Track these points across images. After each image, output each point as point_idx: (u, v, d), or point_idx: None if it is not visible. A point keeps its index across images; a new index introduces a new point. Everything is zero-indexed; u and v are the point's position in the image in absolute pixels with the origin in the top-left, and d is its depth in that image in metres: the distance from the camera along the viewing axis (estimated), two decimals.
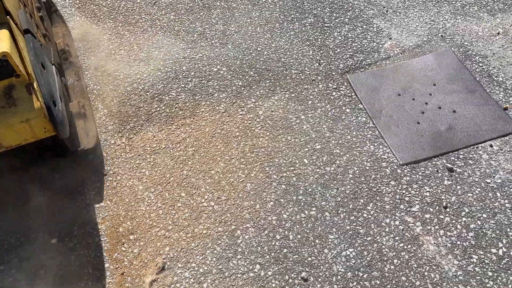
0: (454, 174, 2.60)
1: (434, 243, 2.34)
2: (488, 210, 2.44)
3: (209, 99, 3.07)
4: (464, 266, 2.26)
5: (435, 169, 2.63)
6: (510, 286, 2.18)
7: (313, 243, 2.38)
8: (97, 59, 3.36)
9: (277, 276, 2.27)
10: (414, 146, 2.73)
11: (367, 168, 2.66)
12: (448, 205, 2.47)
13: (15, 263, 2.37)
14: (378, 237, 2.38)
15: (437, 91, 3.03)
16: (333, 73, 3.18)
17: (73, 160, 2.72)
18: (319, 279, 2.25)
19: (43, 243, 2.44)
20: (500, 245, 2.31)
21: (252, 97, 3.07)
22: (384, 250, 2.33)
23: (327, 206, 2.51)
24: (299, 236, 2.41)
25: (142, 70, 3.27)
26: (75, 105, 2.66)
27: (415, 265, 2.27)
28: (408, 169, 2.64)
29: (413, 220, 2.43)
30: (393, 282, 2.22)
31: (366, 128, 2.85)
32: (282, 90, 3.10)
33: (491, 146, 2.71)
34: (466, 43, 3.30)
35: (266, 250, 2.36)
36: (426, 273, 2.24)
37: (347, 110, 2.96)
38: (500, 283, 2.19)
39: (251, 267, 2.31)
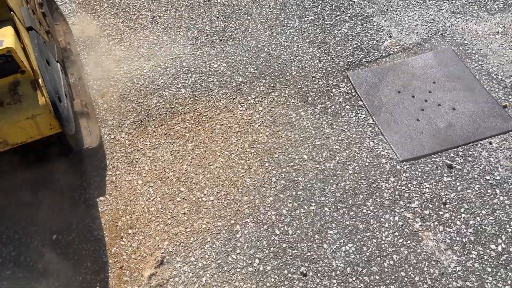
0: (453, 170, 2.61)
1: (434, 238, 2.34)
2: (487, 207, 2.45)
3: (209, 95, 3.07)
4: (463, 261, 2.26)
5: (435, 166, 2.63)
6: (509, 281, 2.18)
7: (312, 238, 2.37)
8: (97, 55, 3.36)
9: (276, 271, 2.27)
10: (413, 143, 2.73)
11: (367, 164, 2.66)
12: (448, 201, 2.48)
13: (14, 256, 2.36)
14: (377, 233, 2.38)
15: (436, 89, 3.03)
16: (333, 70, 3.18)
17: (72, 155, 2.71)
18: (318, 274, 2.25)
19: (42, 236, 2.43)
20: (499, 241, 2.32)
21: (252, 93, 3.07)
22: (383, 246, 2.33)
23: (327, 201, 2.51)
24: (298, 231, 2.40)
25: (142, 65, 3.27)
26: (77, 104, 2.65)
27: (415, 261, 2.27)
28: (408, 166, 2.64)
29: (413, 216, 2.43)
30: (392, 277, 2.22)
31: (366, 124, 2.86)
32: (282, 86, 3.10)
33: (490, 143, 2.72)
34: (465, 42, 3.31)
35: (266, 245, 2.36)
36: (425, 269, 2.24)
37: (347, 106, 2.96)
38: (499, 279, 2.19)
39: (250, 262, 2.31)
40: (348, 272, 2.25)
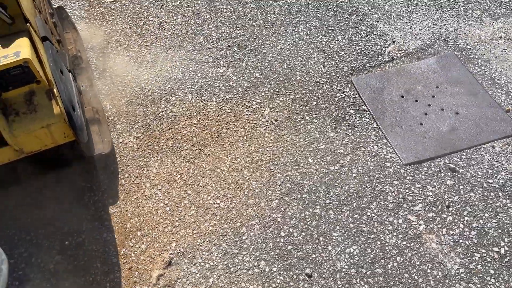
0: (456, 174, 2.64)
1: (437, 241, 2.38)
2: (490, 210, 2.48)
3: (215, 99, 3.13)
4: (466, 264, 2.29)
5: (438, 169, 2.67)
6: (511, 283, 2.21)
7: (317, 240, 2.41)
8: (105, 60, 3.43)
9: (281, 272, 2.31)
10: (417, 147, 2.77)
11: (371, 167, 2.70)
12: (451, 204, 2.51)
13: (25, 257, 2.42)
14: (381, 235, 2.41)
15: (440, 93, 3.07)
16: (337, 75, 3.23)
17: (84, 160, 2.77)
18: (323, 276, 2.29)
19: (53, 238, 2.49)
20: (502, 243, 2.35)
21: (258, 98, 3.12)
22: (387, 248, 2.37)
23: (331, 204, 2.55)
24: (303, 234, 2.45)
25: (150, 71, 3.34)
26: (89, 110, 2.70)
27: (418, 263, 2.31)
28: (411, 169, 2.68)
29: (416, 218, 2.47)
30: (396, 279, 2.26)
31: (370, 128, 2.90)
32: (287, 91, 3.15)
33: (493, 147, 2.75)
34: (468, 47, 3.35)
35: (271, 247, 2.41)
36: (428, 271, 2.28)
37: (351, 111, 3.01)
38: (501, 281, 2.22)
39: (256, 263, 2.35)
40: (353, 273, 2.29)
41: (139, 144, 2.90)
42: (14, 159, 2.13)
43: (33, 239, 2.49)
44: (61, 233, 2.51)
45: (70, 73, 2.50)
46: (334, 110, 3.02)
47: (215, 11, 3.78)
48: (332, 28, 3.57)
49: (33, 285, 2.32)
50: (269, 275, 2.31)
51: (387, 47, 3.40)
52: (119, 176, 2.75)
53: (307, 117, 2.98)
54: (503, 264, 2.28)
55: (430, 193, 2.57)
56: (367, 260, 2.33)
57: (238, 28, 3.63)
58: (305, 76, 3.24)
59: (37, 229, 2.53)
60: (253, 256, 2.38)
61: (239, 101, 3.11)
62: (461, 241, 2.37)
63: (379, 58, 3.33)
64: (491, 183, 2.59)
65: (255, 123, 2.97)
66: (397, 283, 2.24)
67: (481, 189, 2.56)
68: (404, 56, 3.34)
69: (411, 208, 2.51)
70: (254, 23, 3.66)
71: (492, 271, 2.26)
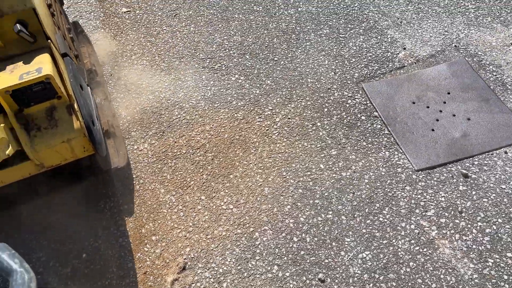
0: (469, 180, 2.64)
1: (450, 246, 2.38)
2: (504, 215, 2.47)
3: (228, 106, 3.18)
4: (480, 269, 2.29)
5: (450, 175, 2.67)
6: None
7: (330, 246, 2.43)
8: (120, 69, 3.51)
9: (294, 277, 2.33)
10: (429, 153, 2.78)
11: (383, 173, 2.72)
12: (464, 210, 2.51)
13: (43, 262, 2.47)
14: (394, 240, 2.42)
15: (451, 100, 3.08)
16: (348, 82, 3.26)
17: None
18: (336, 281, 2.30)
19: (69, 242, 2.54)
20: None
21: (269, 105, 3.16)
22: (400, 253, 2.37)
23: (344, 210, 2.57)
24: (316, 239, 2.47)
25: (164, 79, 3.40)
26: (104, 124, 2.74)
27: (431, 268, 2.31)
28: (423, 175, 2.69)
29: (429, 224, 2.48)
30: (409, 284, 2.26)
31: (382, 135, 2.92)
32: (298, 98, 3.19)
33: (505, 152, 2.75)
34: (479, 53, 3.36)
35: (284, 252, 2.43)
36: (442, 276, 2.28)
37: (363, 117, 3.03)
38: None
39: (269, 268, 2.38)
40: (365, 278, 2.30)
41: (154, 150, 2.95)
42: (34, 173, 2.16)
43: (50, 244, 2.54)
44: (77, 238, 2.56)
45: (89, 87, 2.55)
46: (345, 116, 3.04)
47: (227, 20, 3.85)
48: (343, 35, 3.61)
49: None
50: (282, 280, 2.33)
51: (398, 54, 3.43)
52: (134, 182, 2.80)
53: (318, 124, 3.01)
54: None
55: (443, 199, 2.57)
56: (380, 265, 2.34)
57: (250, 37, 3.68)
58: (316, 83, 3.27)
59: (54, 234, 2.59)
60: (266, 261, 2.40)
61: (251, 108, 3.15)
62: (474, 246, 2.37)
63: (390, 65, 3.35)
64: (504, 188, 2.58)
65: (267, 129, 3.01)
66: None
67: (494, 195, 2.56)
68: (415, 63, 3.36)
69: (424, 213, 2.52)
70: (265, 32, 3.71)
71: (506, 277, 2.25)
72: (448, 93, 3.13)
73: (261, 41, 3.64)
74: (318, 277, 2.32)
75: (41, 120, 2.05)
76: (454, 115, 2.98)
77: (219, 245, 2.48)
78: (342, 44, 3.54)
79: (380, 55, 3.43)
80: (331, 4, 3.89)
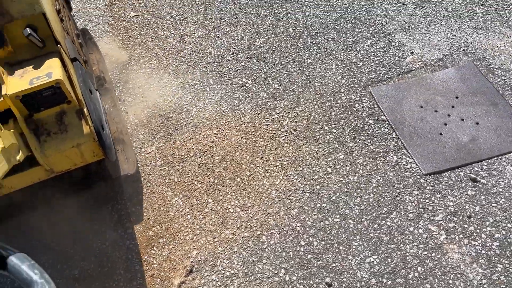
0: (478, 184, 2.62)
1: (459, 251, 2.36)
2: None
3: (235, 110, 3.18)
4: (489, 275, 2.26)
5: (459, 179, 2.66)
6: None
7: (337, 250, 2.42)
8: (128, 72, 3.53)
9: (301, 281, 2.32)
10: (437, 157, 2.77)
11: (390, 177, 2.71)
12: (472, 214, 2.49)
13: (51, 264, 2.48)
14: (401, 245, 2.41)
15: (459, 104, 3.07)
16: (356, 86, 3.26)
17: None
18: (343, 285, 2.29)
19: (77, 245, 2.56)
20: None
21: (277, 108, 3.16)
22: (408, 258, 2.36)
23: (351, 214, 2.56)
24: (323, 243, 2.46)
25: (171, 82, 3.42)
26: (113, 130, 2.74)
27: (440, 273, 2.29)
28: (431, 179, 2.68)
29: (437, 228, 2.46)
30: None
31: (389, 138, 2.91)
32: (305, 101, 3.19)
33: None
34: (488, 57, 3.34)
35: (291, 256, 2.42)
36: (450, 281, 2.26)
37: (370, 121, 3.02)
38: None
39: (276, 272, 2.37)
40: (373, 283, 2.28)
41: (161, 153, 2.97)
42: (44, 179, 2.16)
43: (57, 246, 2.56)
44: (85, 240, 2.58)
45: (98, 92, 2.56)
46: (353, 120, 3.04)
47: (235, 24, 3.86)
48: (351, 39, 3.61)
49: None
50: (289, 283, 2.32)
51: (406, 58, 3.42)
52: (141, 184, 2.81)
53: (326, 127, 3.01)
54: None
55: (451, 203, 2.55)
56: (388, 269, 2.32)
57: (257, 41, 3.69)
58: (323, 86, 3.27)
59: (61, 236, 2.60)
60: (273, 265, 2.40)
61: (259, 112, 3.16)
62: (483, 251, 2.35)
63: (398, 69, 3.34)
64: None
65: (274, 133, 3.01)
66: None
67: (503, 200, 2.54)
68: (423, 67, 3.35)
69: (432, 218, 2.50)
70: (273, 36, 3.72)
71: None
72: (457, 97, 3.11)
73: (269, 45, 3.65)
74: (325, 281, 2.31)
75: (51, 125, 2.05)
76: (462, 119, 2.96)
77: (226, 248, 2.48)
78: (350, 48, 3.54)
79: (387, 59, 3.42)
80: (339, 9, 3.90)
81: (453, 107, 3.05)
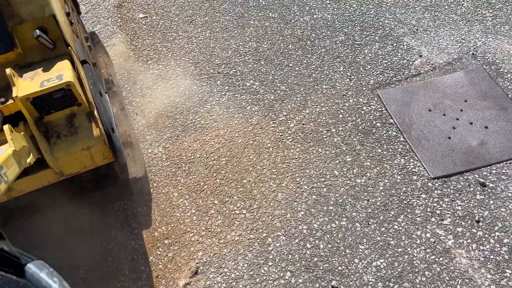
0: (486, 189, 2.60)
1: (467, 256, 2.33)
2: None
3: (242, 111, 3.18)
4: (497, 280, 2.23)
5: (467, 184, 2.63)
6: None
7: (343, 253, 2.40)
8: (136, 73, 3.54)
9: (307, 284, 2.31)
10: (445, 161, 2.74)
11: (398, 181, 2.68)
12: (481, 219, 2.46)
13: (56, 263, 2.48)
14: (409, 249, 2.38)
15: (468, 107, 3.04)
16: (364, 89, 3.24)
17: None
18: None
19: (83, 245, 2.56)
20: None
21: (284, 111, 3.16)
22: (415, 262, 2.33)
23: (358, 217, 2.54)
24: (329, 246, 2.44)
25: (179, 84, 3.43)
26: (121, 133, 2.74)
27: (447, 278, 2.26)
28: (439, 183, 2.65)
29: (445, 233, 2.43)
30: None
31: (397, 142, 2.89)
32: (313, 104, 3.18)
33: None
34: (497, 61, 3.32)
35: (297, 258, 2.41)
36: (458, 286, 2.23)
37: (378, 124, 3.00)
38: None
39: (282, 274, 2.36)
40: (380, 287, 2.26)
41: (168, 154, 2.97)
42: (54, 182, 2.14)
43: (63, 245, 2.56)
44: (91, 241, 2.58)
45: (107, 95, 2.55)
46: (360, 123, 3.02)
47: (243, 27, 3.87)
48: (358, 42, 3.60)
49: None
50: (295, 286, 2.30)
51: (414, 61, 3.40)
52: (148, 185, 2.81)
53: (333, 130, 3.00)
54: None
55: (459, 208, 2.53)
56: (395, 273, 2.30)
57: (265, 43, 3.69)
58: (331, 89, 3.26)
59: (67, 236, 2.60)
60: (279, 267, 2.38)
61: (266, 114, 3.15)
62: (492, 256, 2.32)
63: (406, 72, 3.33)
64: None
65: (281, 135, 3.01)
66: None
67: None
68: (432, 70, 3.33)
69: (440, 222, 2.48)
70: (280, 38, 3.72)
71: None
72: (465, 101, 3.09)
73: (276, 47, 3.64)
74: (331, 285, 2.29)
75: (61, 128, 2.03)
76: (471, 123, 2.94)
77: (232, 250, 2.47)
78: (358, 51, 3.53)
79: (396, 62, 3.41)
80: (347, 12, 3.89)
81: (461, 110, 3.03)
